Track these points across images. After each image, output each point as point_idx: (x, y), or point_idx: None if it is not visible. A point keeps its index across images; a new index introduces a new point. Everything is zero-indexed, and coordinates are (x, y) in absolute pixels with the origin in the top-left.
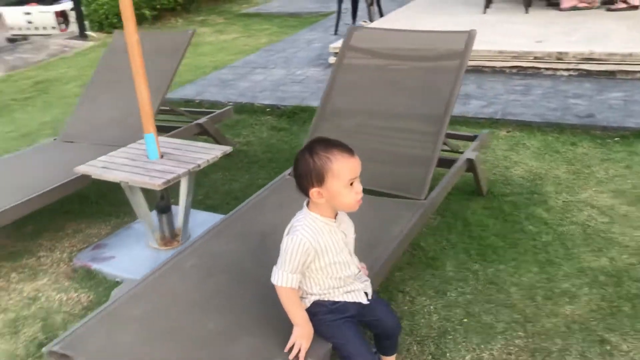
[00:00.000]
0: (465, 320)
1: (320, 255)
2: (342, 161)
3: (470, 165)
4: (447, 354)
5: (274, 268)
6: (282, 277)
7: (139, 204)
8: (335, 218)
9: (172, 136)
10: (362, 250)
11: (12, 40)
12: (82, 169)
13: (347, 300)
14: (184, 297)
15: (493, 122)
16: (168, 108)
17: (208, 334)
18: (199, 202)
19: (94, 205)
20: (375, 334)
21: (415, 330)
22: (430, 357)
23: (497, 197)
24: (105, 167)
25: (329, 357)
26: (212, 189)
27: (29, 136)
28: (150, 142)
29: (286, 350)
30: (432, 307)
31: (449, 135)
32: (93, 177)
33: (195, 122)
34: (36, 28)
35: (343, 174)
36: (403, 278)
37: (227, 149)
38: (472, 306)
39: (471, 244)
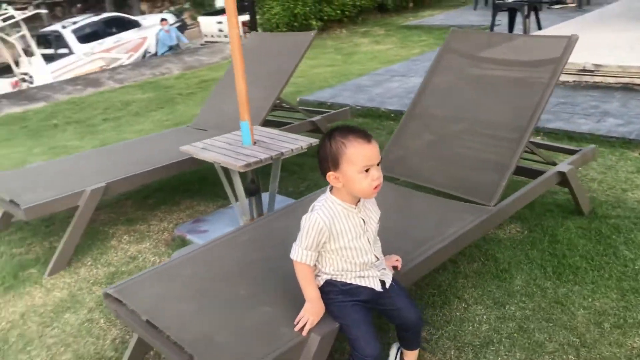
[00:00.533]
0: (515, 334)
1: (335, 237)
2: (357, 147)
3: (563, 179)
4: None
5: (293, 244)
6: (298, 252)
7: (235, 185)
8: (356, 204)
9: (284, 130)
10: (408, 244)
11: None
12: (185, 148)
13: (359, 284)
14: (228, 266)
15: (625, 142)
16: (286, 105)
17: (236, 298)
18: (299, 193)
19: (210, 187)
20: (395, 325)
21: (459, 336)
22: None
23: (599, 218)
24: (204, 149)
25: (335, 336)
26: (313, 182)
27: (179, 125)
28: (244, 129)
29: (295, 323)
30: (484, 316)
31: (547, 147)
32: (193, 155)
33: (309, 119)
34: (225, 36)
35: (357, 160)
36: (465, 285)
37: (314, 141)
38: (527, 322)
39: (550, 261)
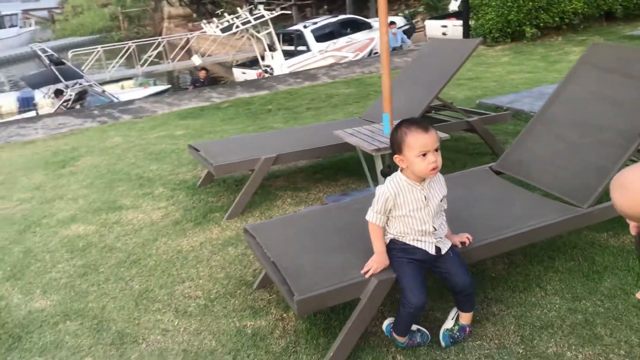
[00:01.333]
0: (578, 325)
1: (398, 206)
2: (415, 135)
3: None
4: (534, 341)
5: (369, 208)
6: (370, 215)
7: (377, 168)
8: (420, 183)
9: (439, 128)
10: (485, 227)
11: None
12: (337, 132)
13: (415, 245)
14: (335, 223)
15: None
16: (441, 104)
17: (332, 246)
18: None
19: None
20: (449, 288)
21: (524, 316)
22: (519, 338)
23: None
24: (351, 134)
25: (390, 283)
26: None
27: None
28: (385, 121)
29: (362, 271)
30: (556, 305)
31: None
32: (342, 139)
33: (465, 119)
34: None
35: (415, 146)
36: (552, 279)
37: (444, 135)
38: (595, 317)
39: None
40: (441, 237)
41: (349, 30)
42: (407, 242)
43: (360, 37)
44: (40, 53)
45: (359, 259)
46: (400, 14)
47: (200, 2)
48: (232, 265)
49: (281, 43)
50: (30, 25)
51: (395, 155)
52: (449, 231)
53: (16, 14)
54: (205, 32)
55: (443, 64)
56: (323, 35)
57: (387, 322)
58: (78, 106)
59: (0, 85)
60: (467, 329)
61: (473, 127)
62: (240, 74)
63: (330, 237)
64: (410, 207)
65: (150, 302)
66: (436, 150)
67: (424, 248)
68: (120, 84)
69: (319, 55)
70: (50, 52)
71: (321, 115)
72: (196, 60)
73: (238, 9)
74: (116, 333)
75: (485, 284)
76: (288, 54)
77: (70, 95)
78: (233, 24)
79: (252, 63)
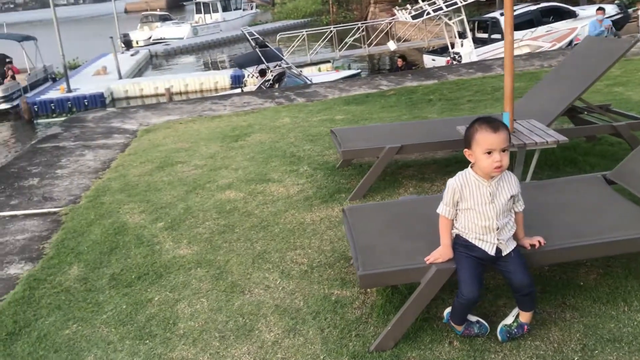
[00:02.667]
0: None
1: (464, 199)
2: (484, 133)
3: None
4: (595, 352)
5: (440, 202)
6: (440, 207)
7: None
8: (488, 180)
9: (580, 131)
10: (565, 232)
11: None
12: (459, 127)
13: (475, 244)
14: (422, 213)
15: None
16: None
17: (411, 232)
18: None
19: None
20: (510, 286)
21: (596, 327)
22: (580, 346)
23: None
24: None
25: (449, 274)
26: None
27: None
28: (505, 119)
29: (425, 260)
30: (635, 322)
31: None
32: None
33: (611, 124)
34: None
35: (482, 143)
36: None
37: (562, 138)
38: None
39: None
40: (504, 239)
41: (551, 18)
42: (470, 240)
43: (561, 26)
44: (247, 36)
45: (428, 248)
46: (617, 2)
47: None
48: (340, 241)
49: (476, 30)
50: (252, 9)
51: (465, 150)
52: (522, 232)
53: None
54: (397, 18)
55: (593, 65)
56: (521, 24)
57: (447, 310)
58: (277, 86)
59: (221, 63)
60: (525, 327)
61: (619, 131)
62: (430, 61)
63: (412, 225)
64: (475, 201)
65: (264, 262)
66: (503, 150)
67: (483, 248)
68: (318, 66)
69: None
70: (256, 35)
71: (479, 108)
72: (391, 45)
73: None
74: (230, 283)
75: (567, 291)
76: (481, 42)
77: (271, 75)
78: (425, 10)
79: (443, 50)
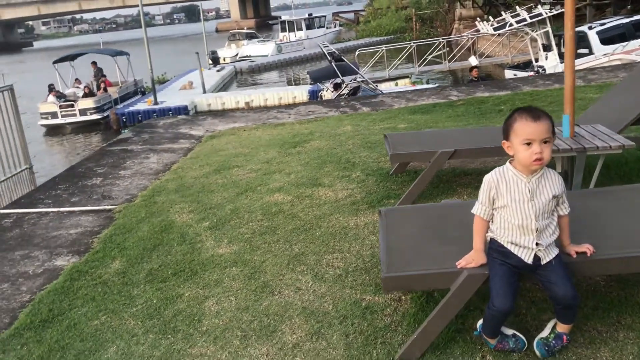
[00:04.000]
0: None
1: (499, 194)
2: (523, 122)
3: None
4: None
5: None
6: (475, 206)
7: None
8: (527, 175)
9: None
10: (618, 240)
11: None
12: None
13: (511, 250)
14: (460, 219)
15: None
16: None
17: (446, 237)
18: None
19: None
20: (550, 297)
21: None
22: None
23: None
24: None
25: (482, 280)
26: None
27: None
28: (565, 122)
29: (457, 264)
30: None
31: None
32: None
33: None
34: None
35: (520, 133)
36: None
37: (629, 143)
38: None
39: None
40: (543, 245)
41: None
42: (504, 245)
43: None
44: (324, 50)
45: (460, 254)
46: None
47: (492, 4)
48: (370, 239)
49: (562, 46)
50: (335, 27)
51: (504, 142)
52: (568, 239)
53: (324, 16)
54: (478, 30)
55: None
56: (611, 38)
57: (480, 322)
58: None
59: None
60: (565, 337)
61: None
62: (511, 75)
63: (447, 230)
64: (512, 198)
65: (299, 264)
66: (545, 142)
67: (520, 255)
68: (395, 81)
69: (603, 58)
70: (332, 49)
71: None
72: (473, 61)
73: (517, 7)
74: (262, 283)
75: (623, 309)
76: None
77: (346, 89)
78: (507, 22)
79: (526, 65)
